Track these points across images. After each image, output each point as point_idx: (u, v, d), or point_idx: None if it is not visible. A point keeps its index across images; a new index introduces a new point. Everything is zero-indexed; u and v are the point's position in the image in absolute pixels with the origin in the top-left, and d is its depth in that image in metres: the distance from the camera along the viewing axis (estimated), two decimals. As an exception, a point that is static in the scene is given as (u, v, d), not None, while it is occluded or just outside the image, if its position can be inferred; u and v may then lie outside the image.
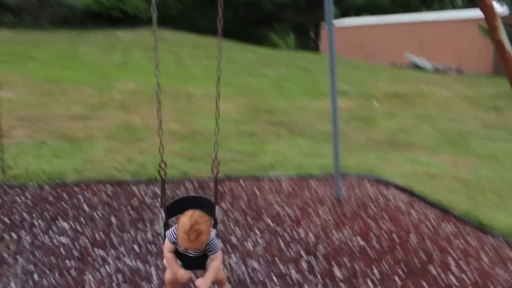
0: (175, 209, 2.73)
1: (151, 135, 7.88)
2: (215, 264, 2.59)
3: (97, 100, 10.64)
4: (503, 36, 3.12)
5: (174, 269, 2.57)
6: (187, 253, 2.55)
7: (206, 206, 2.68)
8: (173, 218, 2.74)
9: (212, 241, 2.55)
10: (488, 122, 11.69)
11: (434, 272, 3.61)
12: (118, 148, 6.83)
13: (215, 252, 2.58)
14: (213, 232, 2.59)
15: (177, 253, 2.58)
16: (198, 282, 2.51)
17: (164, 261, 2.65)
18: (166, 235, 2.60)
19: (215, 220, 2.67)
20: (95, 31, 25.94)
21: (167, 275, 2.67)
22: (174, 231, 2.52)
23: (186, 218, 2.43)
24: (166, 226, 2.64)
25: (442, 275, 3.56)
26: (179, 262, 2.58)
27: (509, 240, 4.34)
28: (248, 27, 42.39)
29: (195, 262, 2.60)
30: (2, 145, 3.75)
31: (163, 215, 2.66)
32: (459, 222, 4.78)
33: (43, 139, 7.07)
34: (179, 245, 2.51)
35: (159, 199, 4.99)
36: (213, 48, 21.89)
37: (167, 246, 2.59)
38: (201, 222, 2.43)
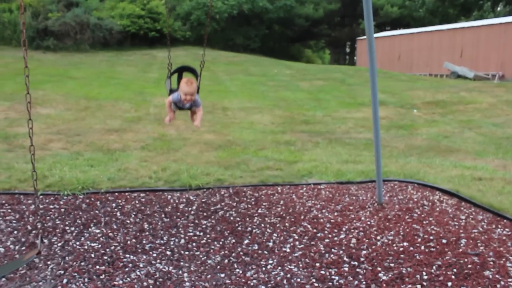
0: (175, 71, 4.42)
1: (187, 146, 7.81)
2: (200, 112, 4.41)
3: (134, 114, 10.70)
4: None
5: (167, 110, 4.40)
6: (183, 107, 4.29)
7: (193, 72, 4.45)
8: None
9: (197, 99, 4.29)
10: (538, 127, 11.07)
11: (490, 275, 3.29)
12: (152, 158, 6.76)
13: (199, 105, 4.36)
14: (197, 95, 4.27)
15: (176, 107, 4.32)
16: (195, 123, 4.47)
17: (166, 103, 4.37)
18: (170, 95, 4.32)
19: (198, 88, 4.29)
20: (132, 52, 26.53)
21: (167, 107, 4.42)
22: (177, 93, 4.22)
23: (185, 78, 4.21)
24: (171, 92, 4.36)
25: (500, 279, 3.23)
26: (174, 108, 4.35)
27: None
28: (283, 44, 42.55)
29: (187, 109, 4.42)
30: (33, 149, 3.70)
31: (169, 82, 4.46)
32: (514, 225, 4.41)
33: (79, 150, 7.10)
34: (179, 99, 4.20)
35: (189, 202, 4.86)
36: (248, 65, 22.11)
37: (169, 99, 4.31)
38: (193, 80, 4.19)
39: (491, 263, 3.53)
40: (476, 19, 35.31)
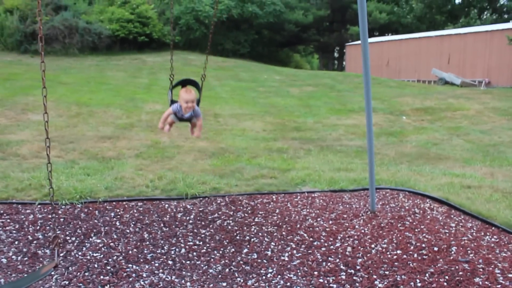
0: (177, 84, 4.50)
1: (181, 153, 7.89)
2: (200, 122, 4.52)
3: (126, 121, 10.75)
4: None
5: (162, 120, 4.52)
6: (183, 117, 4.41)
7: (195, 84, 4.57)
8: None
9: (197, 109, 4.41)
10: (523, 134, 11.33)
11: (480, 282, 3.43)
12: (148, 166, 6.83)
13: (199, 115, 4.48)
14: (197, 107, 4.39)
15: (176, 117, 4.43)
16: (195, 134, 4.59)
17: (165, 114, 4.48)
18: (171, 105, 4.41)
19: (198, 100, 4.46)
20: (122, 56, 26.53)
21: (163, 118, 4.52)
22: (177, 103, 4.35)
23: (184, 88, 4.36)
24: (172, 102, 4.46)
25: (490, 286, 3.38)
26: (174, 119, 4.46)
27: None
28: (272, 49, 42.78)
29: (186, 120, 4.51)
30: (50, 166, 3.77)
31: (171, 93, 4.59)
32: (501, 233, 4.58)
33: (73, 159, 7.15)
34: (179, 109, 4.32)
35: (189, 215, 4.94)
36: (238, 70, 22.18)
37: (168, 110, 4.41)
38: (191, 89, 4.34)
39: (481, 270, 3.67)
40: (463, 26, 35.87)
